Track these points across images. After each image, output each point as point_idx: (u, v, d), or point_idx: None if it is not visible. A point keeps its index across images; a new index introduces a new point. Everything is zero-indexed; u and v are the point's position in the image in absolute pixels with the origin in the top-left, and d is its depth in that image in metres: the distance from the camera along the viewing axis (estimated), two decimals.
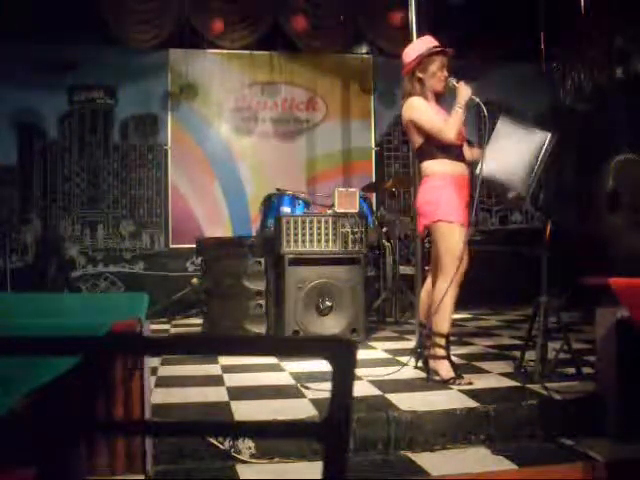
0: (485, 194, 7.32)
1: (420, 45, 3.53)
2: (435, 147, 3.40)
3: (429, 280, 3.63)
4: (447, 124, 3.34)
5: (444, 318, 3.37)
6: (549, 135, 3.31)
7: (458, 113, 3.35)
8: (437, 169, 3.41)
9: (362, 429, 2.74)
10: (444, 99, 3.57)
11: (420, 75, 3.44)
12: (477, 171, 3.36)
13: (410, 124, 3.45)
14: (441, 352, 3.38)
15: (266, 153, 7.33)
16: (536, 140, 3.31)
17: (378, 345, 4.61)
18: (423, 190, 3.48)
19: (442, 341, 3.38)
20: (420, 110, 3.41)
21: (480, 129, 7.24)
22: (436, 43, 3.49)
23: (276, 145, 7.41)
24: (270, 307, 4.65)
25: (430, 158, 3.43)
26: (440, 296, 3.35)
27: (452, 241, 3.33)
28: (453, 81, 3.43)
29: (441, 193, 3.37)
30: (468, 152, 3.53)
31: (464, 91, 3.37)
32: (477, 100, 3.40)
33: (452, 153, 3.41)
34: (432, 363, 3.43)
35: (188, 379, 3.56)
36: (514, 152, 3.31)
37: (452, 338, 3.72)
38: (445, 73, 3.46)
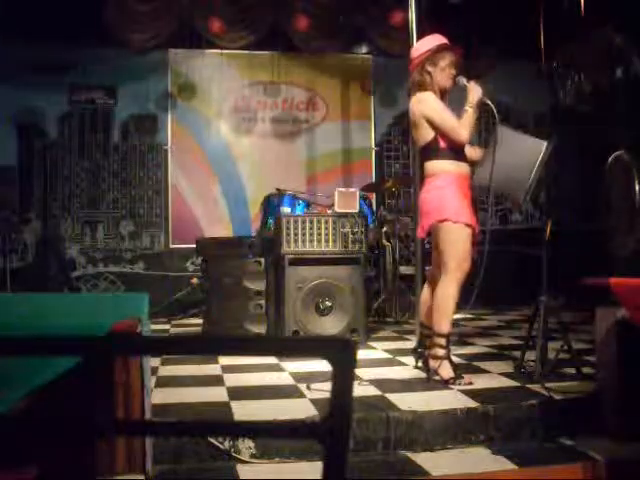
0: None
1: (430, 41, 3.53)
2: (443, 147, 3.39)
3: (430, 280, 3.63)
4: (460, 125, 3.33)
5: (445, 318, 3.36)
6: (546, 144, 3.31)
7: (469, 113, 3.34)
8: (440, 169, 3.39)
9: (362, 429, 2.74)
10: (449, 97, 3.57)
11: (429, 69, 3.43)
12: (475, 177, 3.37)
13: (422, 119, 3.41)
14: (441, 352, 3.38)
15: (266, 153, 7.33)
16: (533, 149, 3.31)
17: (378, 345, 4.61)
18: (427, 190, 3.46)
19: (442, 341, 3.38)
20: (434, 106, 3.39)
21: (480, 130, 7.28)
22: (446, 41, 3.50)
23: (276, 145, 7.41)
24: (270, 307, 4.65)
25: (434, 158, 3.42)
26: (443, 296, 3.35)
27: (458, 241, 3.32)
28: (464, 80, 3.41)
29: (446, 192, 3.35)
30: (470, 151, 3.52)
31: (475, 91, 3.35)
32: (488, 102, 3.39)
33: (456, 153, 3.40)
34: (432, 363, 3.43)
35: (188, 379, 3.57)
36: (512, 161, 3.31)
37: (452, 338, 3.72)
38: (453, 71, 3.45)
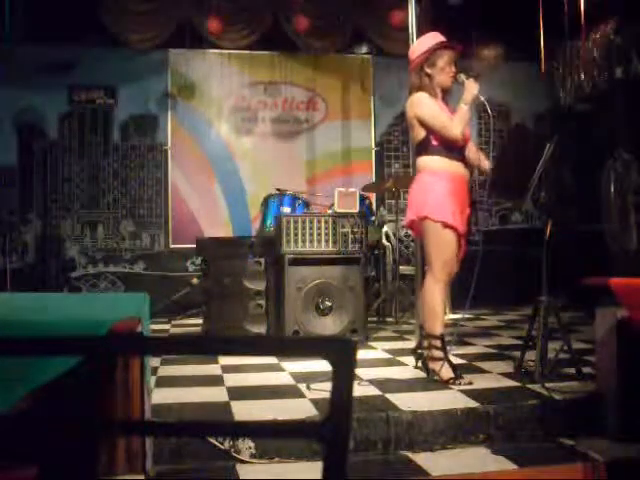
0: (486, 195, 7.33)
1: (428, 40, 3.49)
2: (435, 144, 3.38)
3: None
4: (453, 122, 3.32)
5: (435, 320, 3.35)
6: (547, 144, 3.31)
7: (463, 110, 3.33)
8: (431, 165, 3.39)
9: (362, 429, 2.74)
10: (451, 95, 3.55)
11: (428, 70, 3.42)
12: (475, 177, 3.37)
13: (414, 120, 3.41)
14: (437, 353, 3.38)
15: (266, 153, 7.33)
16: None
17: (378, 345, 4.61)
18: (414, 185, 3.46)
19: (437, 342, 3.37)
20: (426, 106, 3.37)
21: (480, 129, 7.28)
22: (444, 39, 3.46)
23: (276, 145, 7.41)
24: (270, 307, 4.65)
25: (427, 154, 3.41)
26: (428, 296, 3.34)
27: (438, 240, 3.30)
28: (463, 77, 3.40)
29: (431, 189, 3.34)
30: (471, 153, 3.51)
31: (471, 88, 3.34)
32: (483, 99, 3.39)
33: (451, 151, 3.39)
34: (431, 364, 3.43)
35: (188, 379, 3.56)
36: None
37: (452, 338, 3.72)
38: (453, 69, 3.44)
